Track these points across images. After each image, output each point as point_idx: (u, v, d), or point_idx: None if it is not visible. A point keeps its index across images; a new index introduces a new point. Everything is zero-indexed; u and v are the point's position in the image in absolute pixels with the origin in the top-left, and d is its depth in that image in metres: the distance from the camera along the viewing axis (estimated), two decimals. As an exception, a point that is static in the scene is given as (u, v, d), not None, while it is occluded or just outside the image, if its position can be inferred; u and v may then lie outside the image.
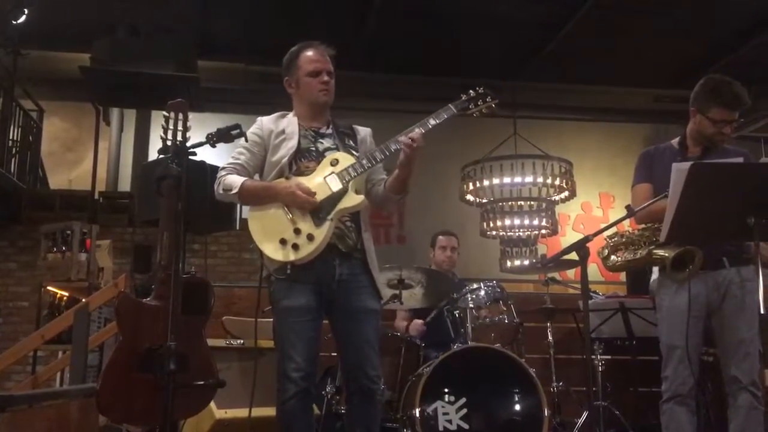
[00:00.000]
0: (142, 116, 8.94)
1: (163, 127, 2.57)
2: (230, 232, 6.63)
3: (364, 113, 7.30)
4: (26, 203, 7.98)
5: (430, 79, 8.15)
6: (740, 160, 2.85)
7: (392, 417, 3.77)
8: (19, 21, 6.86)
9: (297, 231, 2.62)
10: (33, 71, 7.81)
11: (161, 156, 2.57)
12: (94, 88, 7.48)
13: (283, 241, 2.62)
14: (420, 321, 4.21)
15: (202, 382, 2.55)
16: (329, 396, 3.77)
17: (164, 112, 2.58)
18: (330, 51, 2.86)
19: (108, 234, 7.13)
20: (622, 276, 6.36)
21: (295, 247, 2.61)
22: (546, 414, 3.62)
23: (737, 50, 7.78)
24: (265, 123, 2.84)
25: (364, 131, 2.95)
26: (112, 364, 2.52)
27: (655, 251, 2.82)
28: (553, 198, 7.63)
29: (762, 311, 2.53)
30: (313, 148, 2.80)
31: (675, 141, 3.13)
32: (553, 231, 7.97)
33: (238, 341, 3.71)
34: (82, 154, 9.20)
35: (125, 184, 8.78)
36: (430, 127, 2.73)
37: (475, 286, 4.16)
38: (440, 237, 4.75)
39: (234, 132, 2.54)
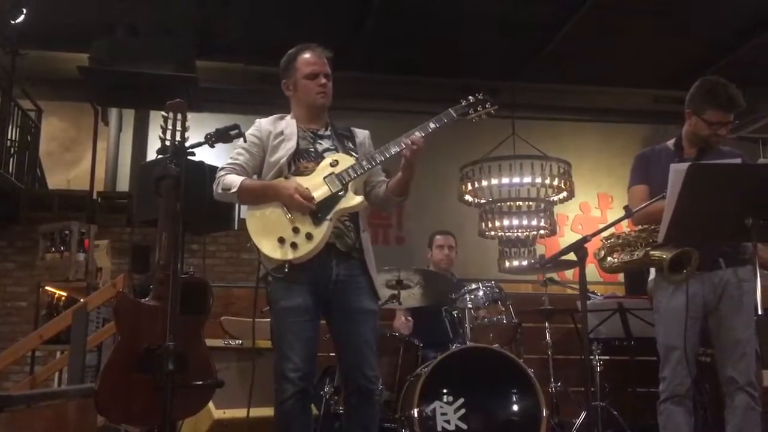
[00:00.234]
0: (140, 116, 8.91)
1: (161, 127, 2.56)
2: (228, 232, 6.65)
3: (363, 113, 7.32)
4: (24, 203, 7.96)
5: (429, 79, 8.14)
6: (738, 161, 2.86)
7: (390, 417, 3.78)
8: (17, 21, 6.84)
9: (296, 230, 2.62)
10: (31, 71, 7.77)
11: (160, 156, 2.56)
12: (92, 88, 7.45)
13: (281, 240, 2.62)
14: (403, 318, 4.26)
15: (200, 383, 2.54)
16: (327, 396, 3.77)
17: (163, 113, 2.58)
18: (327, 53, 2.87)
19: (106, 234, 7.11)
20: (621, 276, 6.36)
21: (294, 245, 2.61)
22: (544, 414, 3.62)
23: (737, 50, 7.76)
24: (263, 124, 2.85)
25: (362, 134, 2.95)
26: (111, 365, 2.52)
27: (652, 252, 2.82)
28: (551, 198, 7.61)
29: (760, 312, 2.53)
30: (312, 149, 2.80)
31: (670, 142, 3.13)
32: (552, 231, 7.95)
33: (237, 341, 3.71)
34: (81, 154, 9.19)
35: (124, 184, 8.76)
36: (430, 130, 2.75)
37: (473, 286, 4.17)
38: (437, 236, 4.77)
39: (233, 132, 2.54)
